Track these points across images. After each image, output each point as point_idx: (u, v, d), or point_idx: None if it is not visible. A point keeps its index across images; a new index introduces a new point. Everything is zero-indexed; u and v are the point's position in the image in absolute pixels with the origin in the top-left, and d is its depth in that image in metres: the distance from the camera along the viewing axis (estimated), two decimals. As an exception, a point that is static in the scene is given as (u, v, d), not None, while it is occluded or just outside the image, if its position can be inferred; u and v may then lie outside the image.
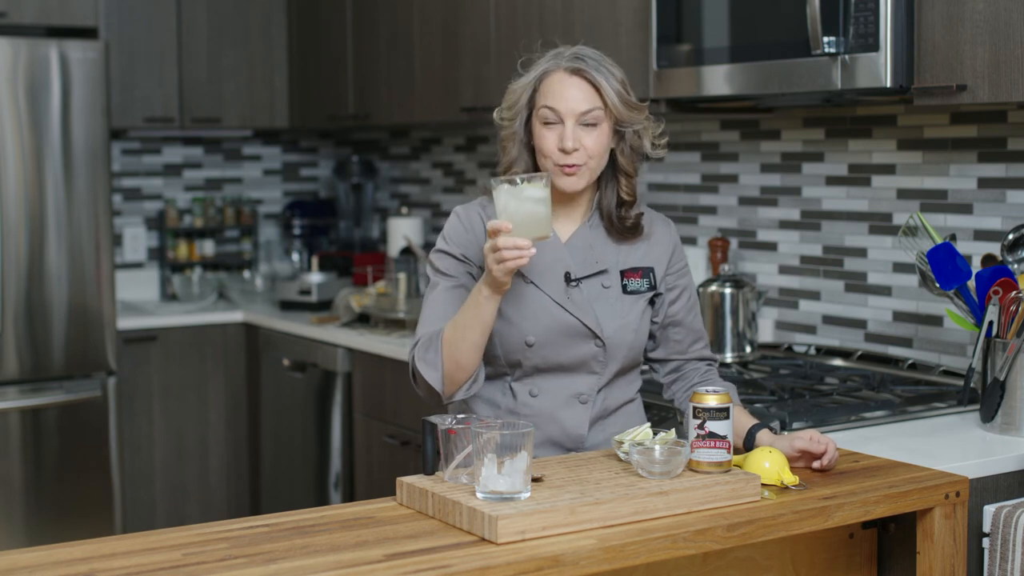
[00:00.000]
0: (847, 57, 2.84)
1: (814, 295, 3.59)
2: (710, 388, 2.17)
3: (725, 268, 3.54)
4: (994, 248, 3.01)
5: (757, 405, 2.83)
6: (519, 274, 2.35)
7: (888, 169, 3.36)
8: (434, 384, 2.33)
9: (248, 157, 5.61)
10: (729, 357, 3.45)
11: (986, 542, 2.38)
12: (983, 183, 3.13)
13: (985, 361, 2.68)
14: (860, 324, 3.46)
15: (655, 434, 2.20)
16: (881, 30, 2.77)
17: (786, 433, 2.36)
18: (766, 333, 3.69)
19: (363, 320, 4.52)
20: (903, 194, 3.33)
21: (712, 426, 2.13)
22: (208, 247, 5.39)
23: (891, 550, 2.33)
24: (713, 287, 3.49)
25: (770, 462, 2.19)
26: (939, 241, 2.85)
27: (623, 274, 2.42)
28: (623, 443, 2.20)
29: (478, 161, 4.97)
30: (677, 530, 1.96)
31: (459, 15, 4.29)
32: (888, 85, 2.79)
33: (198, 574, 1.79)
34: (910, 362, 3.22)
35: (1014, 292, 2.65)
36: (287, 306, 4.91)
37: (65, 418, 4.50)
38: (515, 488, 1.98)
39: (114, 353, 4.57)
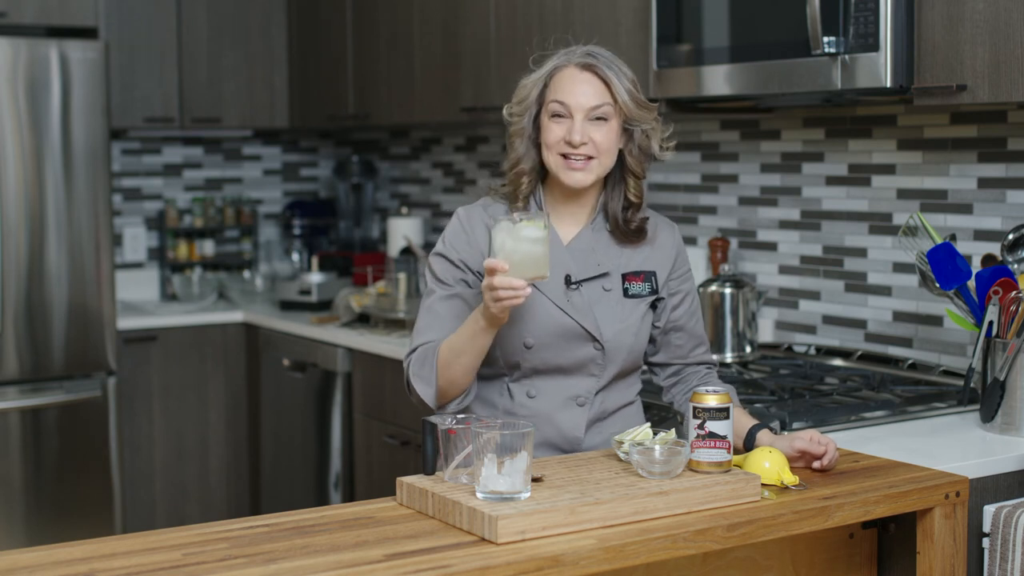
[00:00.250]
0: (847, 57, 2.84)
1: (814, 295, 3.59)
2: (710, 388, 2.17)
3: (725, 268, 3.54)
4: (994, 248, 3.01)
5: (757, 405, 2.83)
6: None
7: (888, 169, 3.36)
8: (427, 400, 2.36)
9: (248, 157, 5.61)
10: (729, 357, 3.45)
11: (986, 542, 2.38)
12: (983, 183, 3.13)
13: (985, 361, 2.68)
14: (860, 324, 3.46)
15: (655, 434, 2.20)
16: (881, 30, 2.77)
17: (786, 433, 2.36)
18: (766, 333, 3.69)
19: (363, 320, 4.52)
20: (903, 194, 3.33)
21: (712, 426, 2.13)
22: (208, 247, 5.39)
23: (891, 550, 2.33)
24: (713, 287, 3.49)
25: (770, 462, 2.19)
26: (939, 241, 2.85)
27: (625, 277, 2.42)
28: (623, 443, 2.20)
29: (478, 161, 4.97)
30: (677, 530, 1.96)
31: (459, 15, 4.29)
32: (888, 85, 2.79)
33: (198, 574, 1.79)
34: (910, 362, 3.22)
35: (1014, 292, 2.65)
36: (287, 306, 4.91)
37: (65, 418, 4.50)
38: (515, 488, 1.98)
39: (114, 353, 4.57)
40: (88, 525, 4.49)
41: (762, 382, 3.11)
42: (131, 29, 4.96)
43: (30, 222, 4.39)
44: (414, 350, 2.40)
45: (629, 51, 3.46)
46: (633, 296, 2.42)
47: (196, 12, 5.10)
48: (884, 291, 3.39)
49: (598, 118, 2.33)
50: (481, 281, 2.37)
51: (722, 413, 2.14)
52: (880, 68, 2.78)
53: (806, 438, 2.28)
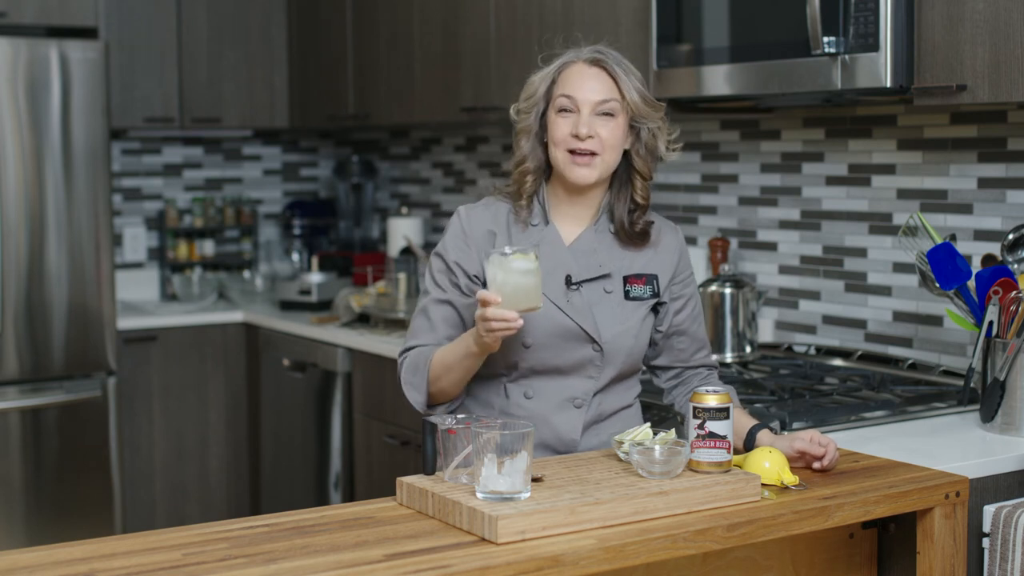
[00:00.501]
0: (847, 57, 2.84)
1: (814, 295, 3.59)
2: (710, 388, 2.17)
3: (725, 268, 3.54)
4: (994, 248, 3.01)
5: (757, 405, 2.83)
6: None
7: (888, 169, 3.36)
8: (417, 406, 2.42)
9: (248, 157, 5.61)
10: (729, 357, 3.45)
11: (986, 542, 2.38)
12: (983, 183, 3.13)
13: (985, 361, 2.68)
14: (860, 324, 3.46)
15: (655, 434, 2.20)
16: (881, 30, 2.77)
17: (786, 433, 2.35)
18: (766, 333, 3.69)
19: (363, 320, 4.52)
20: (903, 194, 3.33)
21: (712, 426, 2.13)
22: (208, 247, 5.39)
23: (891, 550, 2.33)
24: (713, 287, 3.49)
25: (770, 462, 2.19)
26: (939, 241, 2.84)
27: (626, 280, 2.42)
28: (623, 443, 2.20)
29: (478, 161, 4.97)
30: (677, 530, 1.96)
31: (459, 15, 4.29)
32: (888, 85, 2.79)
33: (198, 574, 1.79)
34: (910, 362, 3.22)
35: (1014, 292, 2.65)
36: (287, 306, 4.91)
37: (65, 418, 4.50)
38: (515, 488, 1.98)
39: (114, 353, 4.57)
40: (88, 525, 4.49)
41: (762, 382, 3.11)
42: (131, 29, 4.96)
43: (30, 222, 4.39)
44: (408, 351, 2.45)
45: (629, 51, 3.45)
46: (634, 299, 2.41)
47: (196, 12, 5.10)
48: (884, 291, 3.39)
49: (605, 113, 2.34)
50: (476, 285, 2.39)
51: (722, 413, 2.14)
52: (880, 68, 2.78)
53: (806, 439, 2.28)
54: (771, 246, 3.70)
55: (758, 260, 3.74)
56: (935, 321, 3.26)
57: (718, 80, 3.19)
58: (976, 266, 3.00)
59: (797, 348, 3.56)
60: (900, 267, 3.33)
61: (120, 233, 5.27)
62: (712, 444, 2.13)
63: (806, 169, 3.59)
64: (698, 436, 2.14)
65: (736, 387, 2.97)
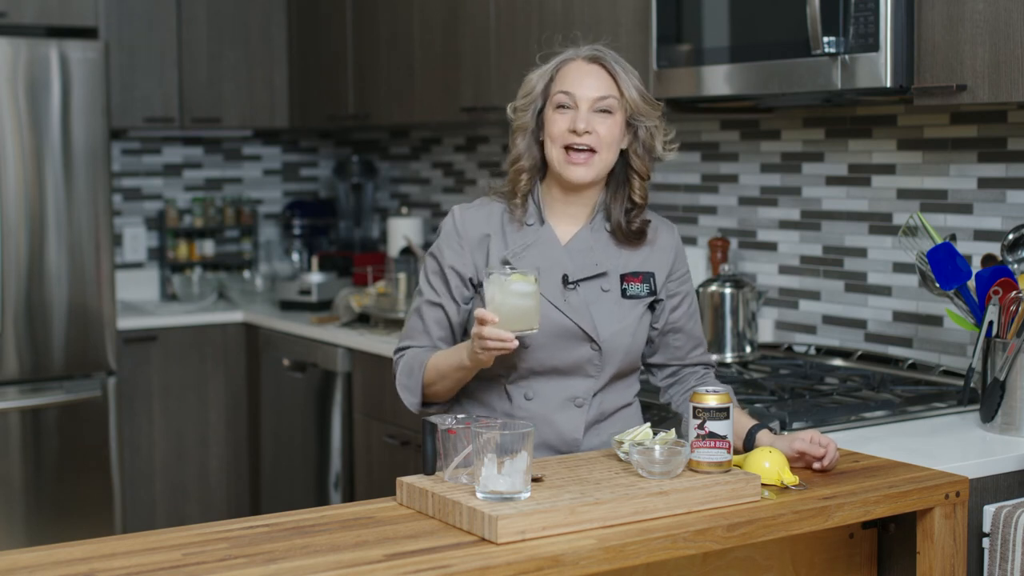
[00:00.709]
0: (847, 57, 2.84)
1: (814, 295, 3.59)
2: (710, 388, 2.17)
3: (725, 268, 3.54)
4: (994, 248, 3.01)
5: (757, 405, 2.83)
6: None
7: (888, 169, 3.36)
8: (411, 407, 2.44)
9: (248, 157, 5.61)
10: (729, 357, 3.45)
11: (986, 542, 2.38)
12: (983, 183, 3.13)
13: (985, 361, 2.68)
14: (860, 324, 3.46)
15: (655, 434, 2.20)
16: (881, 30, 2.77)
17: (786, 434, 2.35)
18: (766, 333, 3.69)
19: (363, 320, 4.52)
20: (903, 194, 3.33)
21: (712, 426, 2.13)
22: (208, 247, 5.39)
23: (891, 550, 2.33)
24: (713, 287, 3.49)
25: (770, 462, 2.19)
26: (939, 241, 2.84)
27: (623, 278, 2.42)
28: (623, 443, 2.20)
29: (478, 161, 4.97)
30: (677, 530, 1.96)
31: (459, 15, 4.29)
32: (888, 85, 2.79)
33: (198, 574, 1.79)
34: (910, 362, 3.22)
35: (1014, 292, 2.65)
36: (287, 306, 4.91)
37: (65, 418, 4.50)
38: (515, 488, 1.98)
39: (114, 353, 4.57)
40: (88, 525, 4.49)
41: (762, 382, 3.11)
42: (131, 29, 4.96)
43: (30, 222, 4.39)
44: (402, 352, 2.47)
45: (629, 51, 3.46)
46: (631, 297, 2.41)
47: (196, 12, 5.10)
48: (884, 291, 3.39)
49: (603, 110, 2.34)
50: (468, 289, 2.40)
51: (722, 413, 2.14)
52: (880, 68, 2.78)
53: (806, 439, 2.27)
54: (771, 246, 3.70)
55: (758, 260, 3.74)
56: (935, 321, 3.26)
57: (718, 80, 3.19)
58: (976, 266, 3.00)
59: (797, 348, 3.56)
60: (900, 267, 3.33)
61: (120, 233, 5.28)
62: (712, 444, 2.13)
63: (806, 169, 3.59)
64: (698, 436, 2.14)
65: (736, 387, 2.98)
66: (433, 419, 2.16)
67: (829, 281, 3.54)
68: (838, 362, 3.37)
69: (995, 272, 2.70)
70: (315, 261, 5.02)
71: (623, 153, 2.40)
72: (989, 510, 2.39)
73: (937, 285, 2.81)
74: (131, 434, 4.76)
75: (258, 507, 4.95)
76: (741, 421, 2.36)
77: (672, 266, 2.46)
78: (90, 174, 4.48)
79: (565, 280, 2.37)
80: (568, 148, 2.34)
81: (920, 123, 3.26)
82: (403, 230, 4.92)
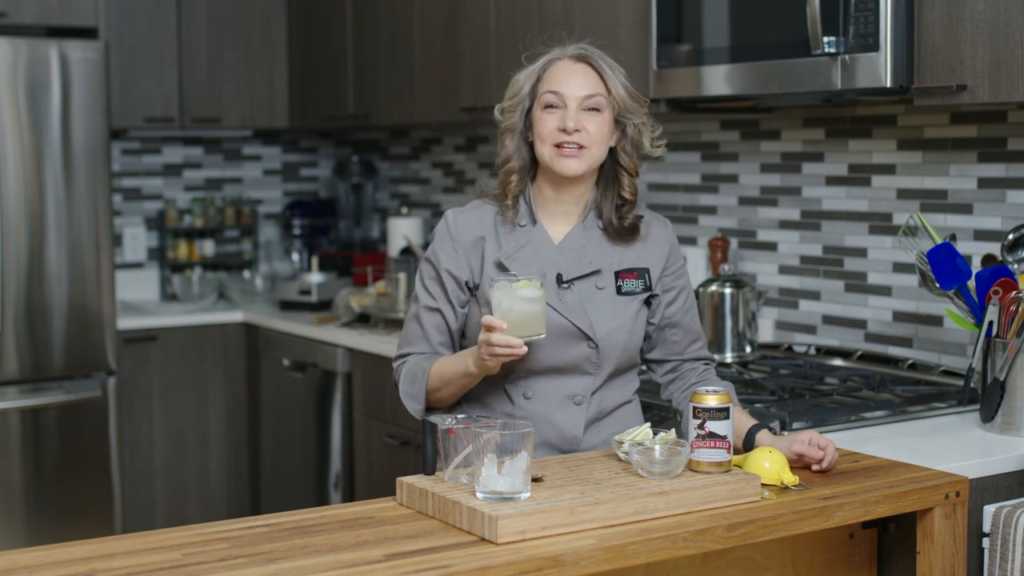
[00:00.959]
0: (847, 57, 2.84)
1: (814, 295, 3.59)
2: (710, 388, 2.17)
3: (725, 268, 3.54)
4: (994, 248, 3.01)
5: (757, 405, 2.83)
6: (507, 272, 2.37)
7: (888, 169, 3.36)
8: (415, 414, 2.45)
9: (248, 157, 5.61)
10: (729, 357, 3.45)
11: (986, 542, 2.38)
12: (983, 183, 3.13)
13: (985, 361, 2.68)
14: (860, 324, 3.46)
15: (655, 434, 2.20)
16: (881, 30, 2.77)
17: (786, 434, 2.35)
18: (766, 333, 3.69)
19: (363, 320, 4.52)
20: (903, 194, 3.33)
21: (712, 426, 2.13)
22: (208, 247, 5.39)
23: (891, 550, 2.33)
24: (713, 287, 3.49)
25: (770, 462, 2.19)
26: (939, 241, 2.84)
27: (618, 275, 2.42)
28: (623, 443, 2.20)
29: (478, 161, 4.97)
30: (677, 530, 1.96)
31: (459, 15, 4.29)
32: (888, 85, 2.79)
33: (198, 574, 1.79)
34: (910, 362, 3.22)
35: (1014, 292, 2.65)
36: (287, 306, 4.91)
37: (65, 418, 4.50)
38: (515, 488, 1.98)
39: (114, 353, 4.57)
40: (88, 525, 4.49)
41: (762, 382, 3.11)
42: (131, 29, 4.96)
43: (30, 222, 4.39)
44: (403, 360, 2.47)
45: (629, 51, 3.46)
46: (626, 293, 2.42)
47: (196, 12, 5.10)
48: (884, 291, 3.39)
49: (591, 108, 2.34)
50: (464, 293, 2.41)
51: (722, 413, 2.14)
52: (880, 68, 2.78)
53: (805, 441, 2.27)
54: (771, 246, 3.70)
55: (758, 260, 3.74)
56: (935, 321, 3.26)
57: (718, 80, 3.19)
58: (976, 266, 3.00)
59: (797, 348, 3.56)
60: (900, 267, 3.33)
61: (120, 233, 5.28)
62: (712, 444, 2.13)
63: (806, 169, 3.59)
64: (698, 436, 2.14)
65: (736, 387, 2.97)
66: (433, 419, 2.16)
67: (829, 281, 3.53)
68: (838, 362, 3.37)
69: (995, 272, 2.70)
70: (315, 261, 5.02)
71: (612, 151, 2.40)
72: (989, 510, 2.39)
73: (937, 285, 2.81)
74: (131, 434, 4.76)
75: (258, 507, 4.95)
76: (741, 421, 2.36)
77: (667, 261, 2.46)
78: (90, 174, 4.48)
79: (559, 279, 2.38)
80: (558, 145, 2.34)
81: (920, 123, 3.26)
82: (403, 230, 4.92)
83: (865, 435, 2.66)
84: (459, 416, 2.17)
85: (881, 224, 3.39)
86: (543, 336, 2.27)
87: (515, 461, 1.98)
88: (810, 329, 3.60)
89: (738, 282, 3.49)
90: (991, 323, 2.67)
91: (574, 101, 2.34)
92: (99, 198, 4.50)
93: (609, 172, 2.42)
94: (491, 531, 1.90)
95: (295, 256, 5.47)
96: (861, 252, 3.44)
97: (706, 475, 2.12)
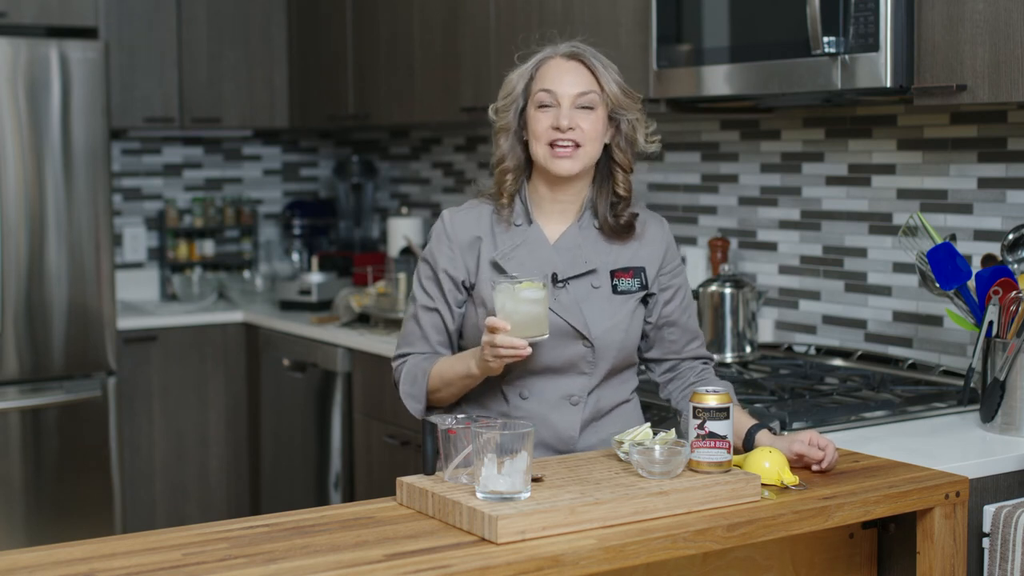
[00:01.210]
0: (847, 57, 2.84)
1: (814, 295, 3.59)
2: (710, 388, 2.17)
3: (725, 268, 3.54)
4: (994, 248, 3.01)
5: (757, 405, 2.83)
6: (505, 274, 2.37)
7: (888, 169, 3.36)
8: (415, 414, 2.45)
9: (248, 157, 5.61)
10: (729, 357, 3.45)
11: (986, 542, 2.38)
12: (983, 183, 3.13)
13: (985, 361, 2.68)
14: (860, 324, 3.46)
15: (655, 434, 2.20)
16: (881, 30, 2.77)
17: (786, 434, 2.35)
18: (766, 333, 3.69)
19: (363, 320, 4.52)
20: (903, 194, 3.33)
21: (712, 426, 2.13)
22: (208, 247, 5.39)
23: (891, 550, 2.33)
24: (713, 287, 3.49)
25: (770, 462, 2.19)
26: (939, 241, 2.84)
27: (613, 274, 2.42)
28: (623, 443, 2.20)
29: (478, 161, 4.97)
30: (677, 530, 1.96)
31: (459, 15, 4.29)
32: (888, 85, 2.79)
33: (198, 574, 1.79)
34: (910, 362, 3.22)
35: (1014, 292, 2.65)
36: (287, 306, 4.91)
37: (65, 418, 4.50)
38: (515, 488, 1.98)
39: (114, 353, 4.57)
40: (88, 525, 4.49)
41: (762, 382, 3.11)
42: (131, 29, 4.96)
43: (30, 222, 4.39)
44: (403, 360, 2.48)
45: (629, 51, 3.46)
46: (622, 292, 2.42)
47: (196, 12, 5.10)
48: (884, 291, 3.39)
49: (584, 106, 2.35)
50: (461, 292, 2.41)
51: (722, 413, 2.14)
52: (880, 68, 2.78)
53: (804, 441, 2.27)
54: (771, 246, 3.70)
55: (758, 260, 3.74)
56: (935, 321, 3.26)
57: (718, 80, 3.19)
58: (976, 266, 3.00)
59: (797, 348, 3.56)
60: (900, 267, 3.33)
61: (120, 233, 5.28)
62: (712, 444, 2.13)
63: (806, 169, 3.59)
64: (698, 436, 2.14)
65: (736, 387, 2.97)
66: (433, 419, 2.16)
67: (829, 281, 3.54)
68: (838, 362, 3.37)
69: (995, 272, 2.70)
70: (315, 261, 5.02)
71: (606, 148, 2.41)
72: (989, 510, 2.39)
73: (937, 285, 2.81)
74: (131, 434, 4.76)
75: (258, 507, 4.95)
76: (741, 420, 2.36)
77: (663, 259, 2.46)
78: (90, 174, 4.48)
79: (555, 278, 2.38)
80: (552, 144, 2.34)
81: (920, 123, 3.26)
82: (403, 230, 4.92)
83: (865, 435, 2.66)
84: (459, 416, 2.17)
85: (881, 224, 3.39)
86: (546, 336, 2.28)
87: (515, 461, 1.98)
88: (810, 329, 3.60)
89: (738, 282, 3.49)
90: (991, 323, 2.67)
91: (567, 99, 2.34)
92: (99, 198, 4.50)
93: (604, 169, 2.43)
94: (491, 531, 1.90)
95: (295, 256, 5.48)
96: (861, 252, 3.44)
97: (706, 475, 2.12)
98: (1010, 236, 2.80)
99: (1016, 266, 2.78)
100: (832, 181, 3.51)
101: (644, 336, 2.49)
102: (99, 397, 4.55)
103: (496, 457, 1.98)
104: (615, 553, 1.90)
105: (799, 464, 2.29)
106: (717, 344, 3.45)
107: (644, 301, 2.46)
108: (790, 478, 2.17)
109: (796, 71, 2.96)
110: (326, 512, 2.08)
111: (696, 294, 3.47)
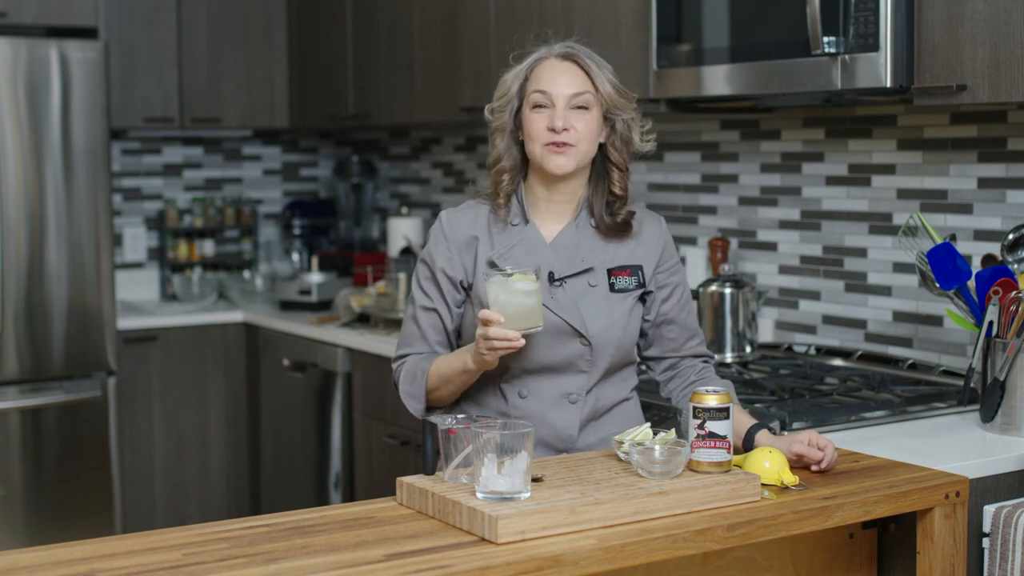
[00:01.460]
0: (847, 57, 2.84)
1: (814, 295, 3.59)
2: (710, 388, 2.17)
3: (725, 268, 3.54)
4: (994, 248, 3.01)
5: (757, 405, 2.83)
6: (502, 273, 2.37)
7: (888, 169, 3.36)
8: (415, 413, 2.46)
9: (248, 157, 5.61)
10: (729, 357, 3.45)
11: (986, 542, 2.38)
12: (983, 183, 3.13)
13: (985, 361, 2.68)
14: (860, 324, 3.46)
15: (655, 434, 2.20)
16: (881, 30, 2.77)
17: (785, 434, 2.35)
18: (766, 333, 3.69)
19: (363, 320, 4.52)
20: (903, 194, 3.33)
21: (712, 426, 2.13)
22: (208, 247, 5.39)
23: (891, 550, 2.33)
24: (713, 287, 3.49)
25: (770, 462, 2.19)
26: (939, 241, 2.85)
27: (611, 272, 2.42)
28: (623, 443, 2.20)
29: (478, 161, 4.97)
30: (677, 530, 1.96)
31: (459, 15, 4.29)
32: (888, 85, 2.79)
33: (198, 574, 1.79)
34: (910, 362, 3.22)
35: (1014, 292, 2.65)
36: (287, 306, 4.91)
37: (65, 418, 4.50)
38: (515, 488, 1.98)
39: (114, 353, 4.57)
40: (88, 525, 4.49)
41: (762, 382, 3.11)
42: (131, 29, 4.96)
43: (30, 222, 4.39)
44: (402, 360, 2.49)
45: (629, 51, 3.46)
46: (620, 291, 2.42)
47: (196, 12, 5.10)
48: (884, 291, 3.39)
49: (579, 107, 2.35)
50: (459, 292, 2.42)
51: (722, 413, 2.14)
52: (880, 68, 2.78)
53: (804, 441, 2.27)
54: (771, 246, 3.70)
55: (758, 260, 3.74)
56: (935, 321, 3.26)
57: (718, 80, 3.19)
58: (976, 266, 3.00)
59: (797, 348, 3.56)
60: (900, 267, 3.33)
61: (120, 233, 5.28)
62: (712, 444, 2.13)
63: (806, 169, 3.59)
64: (698, 436, 2.14)
65: (736, 387, 2.97)
66: (433, 419, 2.16)
67: (829, 281, 3.53)
68: (838, 362, 3.37)
69: (995, 272, 2.70)
70: (315, 261, 5.02)
71: (601, 147, 2.41)
72: (989, 510, 2.39)
73: (937, 285, 2.81)
74: (131, 434, 4.76)
75: (258, 507, 4.95)
76: (741, 421, 2.36)
77: (660, 257, 2.47)
78: (90, 174, 4.48)
79: (552, 277, 2.38)
80: (548, 145, 2.35)
81: (920, 123, 3.26)
82: (403, 230, 4.92)
83: (865, 435, 2.66)
84: (459, 416, 2.17)
85: (881, 224, 3.39)
86: (540, 328, 2.27)
87: (515, 461, 1.98)
88: (810, 329, 3.60)
89: (738, 282, 3.49)
90: (991, 323, 2.67)
91: (562, 100, 2.35)
92: (99, 198, 4.50)
93: (599, 168, 2.43)
94: (491, 531, 1.90)
95: (295, 256, 5.48)
96: (861, 252, 3.44)
97: (706, 475, 2.12)
98: (1010, 236, 2.80)
99: (1016, 266, 2.78)
100: (832, 181, 3.51)
101: (643, 334, 2.49)
102: (99, 397, 4.55)
103: (496, 457, 1.98)
104: (615, 553, 1.90)
105: (799, 464, 2.29)
106: (717, 344, 3.45)
107: (642, 299, 2.46)
108: (790, 478, 2.17)
109: (796, 71, 2.96)
110: (326, 512, 2.08)
111: (696, 294, 3.47)
